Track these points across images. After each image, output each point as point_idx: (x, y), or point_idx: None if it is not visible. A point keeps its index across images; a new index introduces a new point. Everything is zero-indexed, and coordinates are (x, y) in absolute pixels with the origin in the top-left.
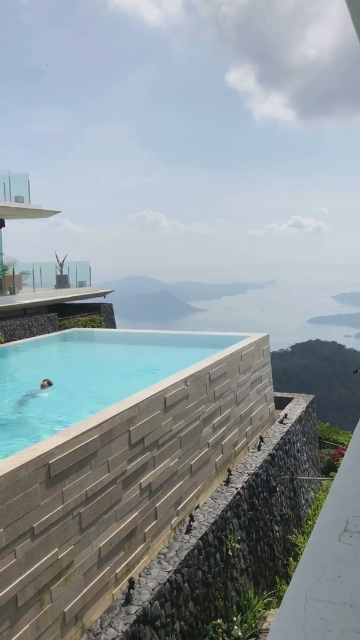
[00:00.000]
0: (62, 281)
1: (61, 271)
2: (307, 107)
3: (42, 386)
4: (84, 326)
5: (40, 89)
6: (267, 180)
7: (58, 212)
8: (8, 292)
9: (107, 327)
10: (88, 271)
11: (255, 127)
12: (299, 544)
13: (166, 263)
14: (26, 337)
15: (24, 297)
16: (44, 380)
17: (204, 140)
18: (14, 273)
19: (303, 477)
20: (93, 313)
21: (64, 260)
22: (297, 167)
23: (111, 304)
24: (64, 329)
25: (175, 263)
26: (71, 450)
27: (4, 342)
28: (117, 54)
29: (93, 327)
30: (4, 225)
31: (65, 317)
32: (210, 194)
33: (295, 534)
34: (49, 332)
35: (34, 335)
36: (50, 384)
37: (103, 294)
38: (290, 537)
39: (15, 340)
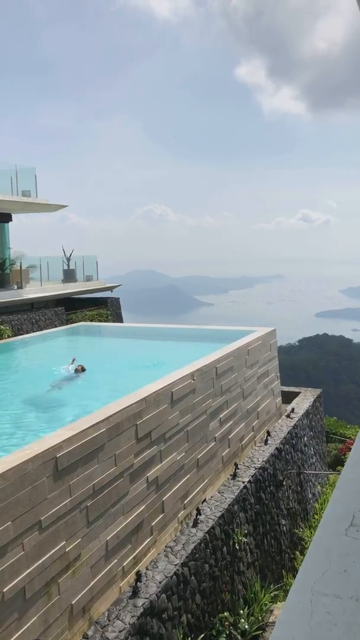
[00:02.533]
0: (69, 275)
1: (68, 265)
2: (318, 100)
3: (76, 371)
4: (91, 320)
5: (48, 83)
6: (276, 174)
7: (65, 206)
8: (15, 287)
9: (114, 321)
10: (95, 265)
11: (264, 120)
12: (305, 537)
13: (173, 257)
14: (33, 332)
15: (32, 291)
16: (78, 365)
17: (211, 134)
18: (21, 267)
19: (310, 471)
20: (100, 307)
21: (71, 254)
22: (306, 160)
23: (118, 298)
24: (71, 323)
25: (182, 257)
26: (78, 444)
27: (11, 336)
28: (126, 47)
29: (100, 321)
30: (11, 220)
31: (72, 311)
32: (217, 187)
33: (302, 528)
34: (56, 327)
35: (41, 330)
36: (83, 369)
37: (110, 288)
38: (297, 531)
39: (22, 334)
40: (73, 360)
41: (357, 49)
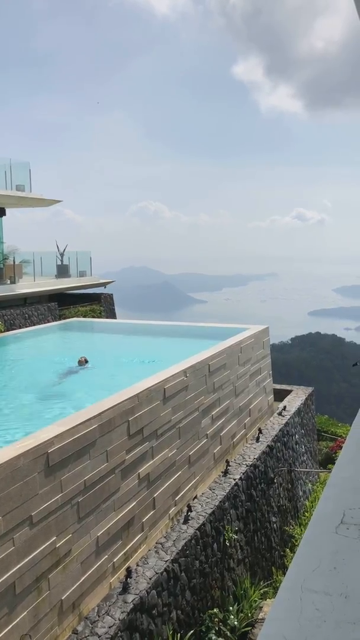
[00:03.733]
0: (62, 271)
1: (62, 261)
2: (315, 99)
3: (80, 363)
4: (84, 316)
5: (45, 77)
6: (271, 172)
7: (59, 201)
8: (8, 281)
9: (107, 318)
10: (89, 261)
11: (261, 118)
12: (295, 535)
13: (168, 254)
14: (26, 327)
15: (25, 286)
16: (81, 357)
17: (208, 132)
18: (14, 262)
19: (301, 469)
20: (93, 303)
21: (64, 249)
22: (301, 159)
23: (111, 294)
24: (64, 318)
25: (176, 254)
26: (70, 440)
27: (3, 331)
28: (124, 42)
29: (93, 317)
30: (4, 214)
31: (65, 306)
32: (213, 185)
33: (293, 526)
34: (48, 322)
35: (33, 325)
36: (87, 361)
37: (104, 284)
38: (287, 528)
39: (15, 329)
40: (84, 359)
41: (355, 48)
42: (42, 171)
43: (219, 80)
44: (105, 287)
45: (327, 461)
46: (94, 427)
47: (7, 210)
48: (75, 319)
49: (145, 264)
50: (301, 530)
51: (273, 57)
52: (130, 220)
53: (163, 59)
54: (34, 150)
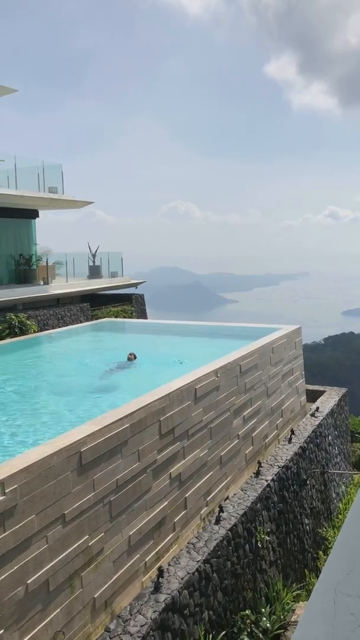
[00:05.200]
0: (94, 271)
1: (94, 261)
2: (349, 95)
3: (129, 359)
4: (116, 316)
5: (76, 80)
6: (303, 171)
7: (91, 202)
8: (42, 282)
9: (138, 318)
10: (120, 262)
11: (293, 117)
12: (329, 537)
13: (198, 254)
14: (59, 327)
15: (57, 287)
16: (130, 354)
17: (239, 131)
18: (47, 263)
19: (334, 471)
20: (125, 303)
21: (96, 250)
22: (335, 157)
23: (142, 294)
24: (96, 319)
25: (207, 254)
26: (102, 439)
27: (37, 331)
28: (155, 44)
29: (125, 317)
30: (37, 216)
31: (97, 307)
32: (244, 184)
33: (326, 528)
34: (81, 322)
35: (66, 325)
36: (135, 357)
37: (135, 285)
38: (320, 530)
39: (48, 329)
40: (133, 355)
41: None
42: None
43: (251, 80)
44: (136, 288)
45: None
46: (125, 426)
47: (40, 212)
48: (107, 319)
49: (175, 264)
50: (334, 532)
51: (306, 54)
52: (160, 221)
53: (195, 60)
54: (66, 152)
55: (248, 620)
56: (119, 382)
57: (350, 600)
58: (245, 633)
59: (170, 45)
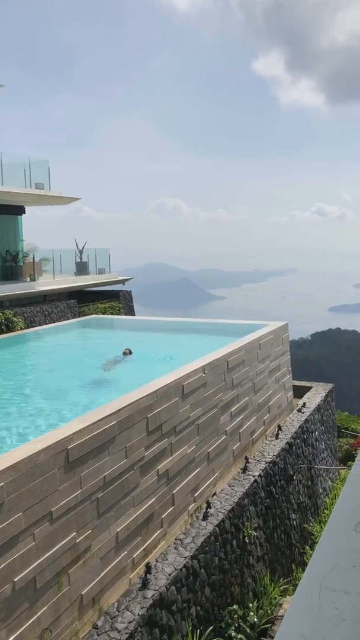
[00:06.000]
0: (81, 268)
1: (81, 258)
2: (336, 91)
3: (124, 354)
4: (103, 313)
5: (63, 76)
6: (291, 167)
7: (78, 199)
8: (28, 279)
9: (126, 315)
10: (107, 258)
11: (281, 113)
12: (315, 532)
13: (186, 250)
14: (46, 324)
15: (44, 283)
16: (126, 349)
17: (227, 128)
18: (34, 260)
19: (321, 466)
20: (112, 300)
21: (83, 247)
22: (322, 153)
23: (130, 291)
24: (83, 315)
25: (195, 250)
26: (90, 436)
27: (24, 328)
28: (142, 40)
29: (112, 314)
30: (24, 212)
31: (84, 304)
32: (231, 181)
33: (312, 523)
34: (68, 319)
35: (53, 322)
36: (130, 352)
37: (122, 281)
38: (306, 525)
39: (35, 326)
40: (128, 350)
41: None
42: (61, 169)
43: (239, 76)
44: (124, 284)
45: (348, 458)
46: (113, 423)
47: (27, 209)
48: (94, 315)
49: (163, 260)
50: (321, 527)
51: (294, 51)
52: (148, 217)
53: (182, 56)
54: (53, 149)
55: (235, 615)
56: (114, 377)
57: (334, 595)
58: (233, 628)
59: (158, 40)
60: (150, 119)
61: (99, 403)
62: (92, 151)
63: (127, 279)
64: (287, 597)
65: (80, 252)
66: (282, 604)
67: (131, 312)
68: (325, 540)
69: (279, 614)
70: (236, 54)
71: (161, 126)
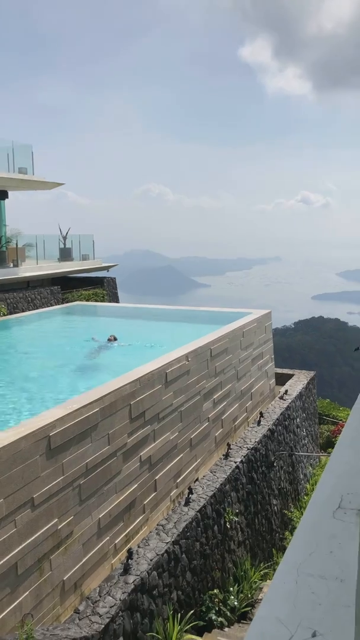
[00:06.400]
0: (65, 254)
1: (64, 244)
2: (323, 79)
3: (109, 340)
4: (87, 300)
5: (47, 59)
6: (276, 155)
7: (61, 184)
8: (11, 265)
9: (110, 301)
10: (91, 244)
11: (267, 101)
12: (294, 518)
13: (171, 237)
14: (29, 310)
15: (27, 269)
16: (110, 336)
17: (212, 114)
18: (17, 245)
19: (301, 453)
20: (96, 287)
21: (67, 233)
22: (308, 142)
23: (114, 277)
24: (67, 302)
25: (180, 237)
26: (72, 423)
27: (6, 314)
28: (128, 23)
29: (96, 301)
30: (7, 197)
31: (68, 290)
32: (217, 168)
33: (292, 509)
34: (52, 305)
35: (36, 308)
36: (115, 338)
37: (106, 268)
38: (286, 511)
39: (18, 312)
40: (113, 337)
41: None
42: (45, 154)
43: (226, 63)
44: (108, 271)
45: (328, 445)
46: (95, 410)
47: (10, 193)
48: (78, 302)
49: (148, 247)
50: (300, 513)
51: (281, 38)
52: (133, 203)
53: (168, 40)
54: (36, 133)
55: (216, 599)
56: (98, 363)
57: (312, 580)
58: (214, 611)
59: (144, 23)
60: (136, 104)
61: (82, 389)
62: (76, 135)
63: (111, 266)
64: (268, 581)
65: (64, 237)
66: (262, 588)
67: (115, 299)
68: (304, 527)
69: (259, 597)
70: (223, 40)
71: (146, 111)
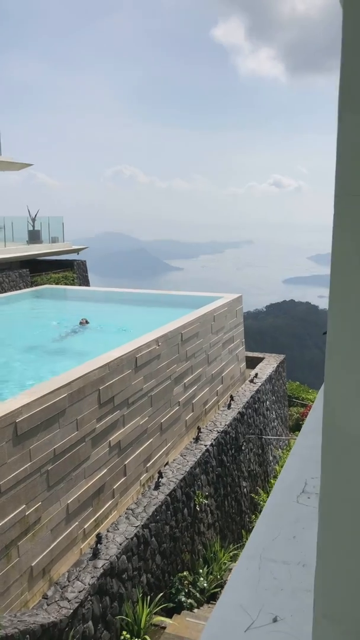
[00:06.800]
0: (34, 237)
1: (33, 226)
2: (296, 62)
3: (81, 323)
4: (57, 283)
5: (14, 35)
6: (249, 138)
7: (30, 164)
8: None
9: (80, 285)
10: (61, 227)
11: (240, 83)
12: (261, 502)
13: (143, 220)
14: None
15: None
16: (82, 319)
17: (185, 95)
18: None
19: (269, 437)
20: (66, 270)
21: (36, 215)
22: (280, 125)
23: (85, 260)
24: (36, 285)
25: (152, 220)
26: (39, 409)
27: None
28: (98, 1)
29: (66, 284)
30: None
31: (37, 273)
32: (189, 150)
33: (260, 492)
34: (20, 289)
35: (5, 292)
36: (87, 322)
37: (76, 251)
38: (254, 495)
39: None
40: (85, 320)
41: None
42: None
43: (198, 43)
44: (78, 254)
45: (298, 427)
46: (63, 396)
47: None
48: (47, 286)
49: (120, 230)
50: (267, 497)
51: (254, 19)
52: (105, 185)
53: (140, 19)
54: (3, 112)
55: (186, 581)
56: (67, 347)
57: (274, 566)
58: (183, 593)
59: (115, 2)
60: (106, 84)
61: (50, 375)
62: (46, 115)
63: (82, 248)
64: (237, 562)
65: (33, 220)
66: (231, 569)
67: (85, 282)
68: (268, 512)
69: (229, 578)
70: (196, 20)
71: (117, 92)
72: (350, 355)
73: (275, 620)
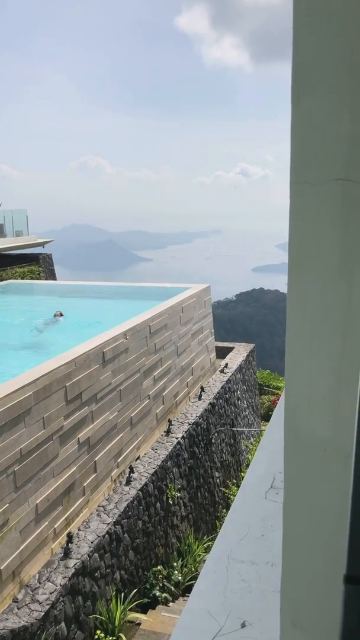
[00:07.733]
0: None
1: None
2: (260, 49)
3: (55, 315)
4: (22, 278)
5: None
6: (214, 127)
7: None
8: None
9: (46, 279)
10: (25, 220)
11: (205, 72)
12: (232, 497)
13: (111, 211)
14: None
15: None
16: (57, 311)
17: (149, 85)
18: None
19: (240, 429)
20: (32, 264)
21: None
22: (245, 114)
23: (50, 254)
24: (0, 281)
25: (120, 211)
26: (3, 409)
27: None
28: None
29: (32, 278)
30: None
31: (1, 268)
32: (155, 140)
33: (230, 487)
34: None
35: None
36: (61, 314)
37: (42, 244)
38: (225, 490)
39: None
40: (59, 313)
41: None
42: None
43: (161, 32)
44: (43, 247)
45: (269, 415)
46: (28, 394)
47: None
48: (12, 281)
49: (88, 221)
50: (237, 490)
51: (218, 6)
52: (71, 176)
53: (101, 8)
54: None
55: (160, 576)
56: (47, 339)
57: (242, 567)
58: (157, 588)
59: None
60: (70, 73)
61: (15, 372)
62: (7, 106)
63: (47, 242)
64: (204, 564)
65: None
66: (205, 561)
67: (52, 276)
68: (236, 510)
69: (195, 583)
70: (159, 8)
71: (80, 82)
72: (306, 355)
73: (243, 625)
